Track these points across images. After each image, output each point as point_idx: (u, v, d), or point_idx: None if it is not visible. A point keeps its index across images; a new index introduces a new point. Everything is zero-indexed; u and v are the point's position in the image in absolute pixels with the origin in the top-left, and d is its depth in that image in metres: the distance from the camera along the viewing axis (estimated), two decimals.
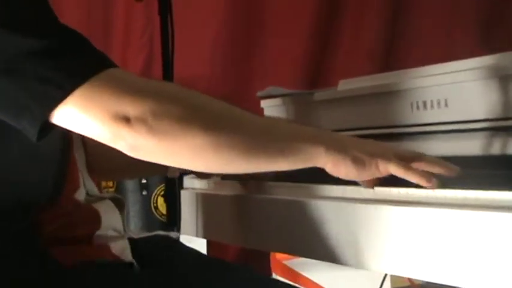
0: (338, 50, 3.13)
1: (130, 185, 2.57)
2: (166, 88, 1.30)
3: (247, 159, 1.27)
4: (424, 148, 1.61)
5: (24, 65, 1.21)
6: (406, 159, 1.27)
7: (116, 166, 1.69)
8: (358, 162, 1.27)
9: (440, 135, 1.63)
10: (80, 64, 1.23)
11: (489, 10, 3.14)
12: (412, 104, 1.69)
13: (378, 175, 1.28)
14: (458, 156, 1.54)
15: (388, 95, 1.76)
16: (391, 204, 1.26)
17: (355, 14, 3.13)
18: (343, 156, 1.27)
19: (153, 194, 2.58)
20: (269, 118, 1.29)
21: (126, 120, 1.20)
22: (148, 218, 2.56)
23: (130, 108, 1.20)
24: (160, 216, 2.56)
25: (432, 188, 1.21)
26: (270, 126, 1.32)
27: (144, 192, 2.62)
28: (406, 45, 3.07)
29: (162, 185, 2.49)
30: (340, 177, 1.30)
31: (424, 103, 1.66)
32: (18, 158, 1.35)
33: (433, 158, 1.29)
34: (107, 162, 1.60)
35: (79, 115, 1.21)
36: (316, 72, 3.12)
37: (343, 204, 1.38)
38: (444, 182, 1.22)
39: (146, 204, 2.63)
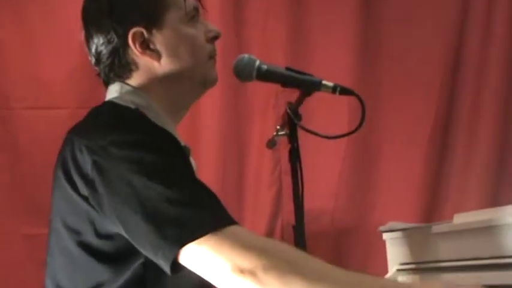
0: (449, 186, 3.17)
1: None
2: (273, 246, 1.41)
3: None
4: None
5: (164, 210, 1.37)
6: None
7: None
8: None
9: None
10: (210, 216, 1.39)
11: None
12: None
13: None
14: None
15: (501, 228, 1.80)
16: None
17: (464, 155, 3.18)
18: None
19: None
20: (356, 273, 1.38)
21: (241, 271, 1.33)
22: None
23: (245, 262, 1.34)
24: None
25: None
26: (353, 280, 1.38)
27: None
28: None
29: None
30: None
31: None
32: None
33: None
34: None
35: (202, 260, 1.36)
36: (430, 205, 3.15)
37: None
38: None
39: None
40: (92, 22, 1.66)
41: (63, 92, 2.91)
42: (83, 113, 1.61)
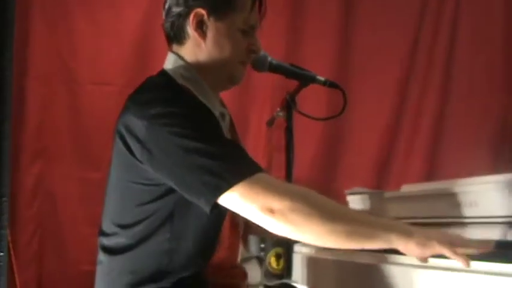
0: (395, 164, 3.23)
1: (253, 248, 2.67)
2: (297, 190, 1.39)
3: (347, 241, 1.36)
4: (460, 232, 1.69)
5: (203, 163, 1.35)
6: (454, 244, 1.34)
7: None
8: (420, 245, 1.34)
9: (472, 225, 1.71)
10: (241, 167, 1.37)
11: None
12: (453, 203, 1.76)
13: (435, 254, 1.35)
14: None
15: (436, 196, 1.84)
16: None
17: (407, 141, 3.24)
18: (409, 241, 1.34)
19: (268, 255, 2.62)
20: (358, 211, 1.36)
21: (272, 211, 1.33)
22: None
23: (275, 203, 1.33)
24: (272, 269, 2.57)
25: (468, 266, 1.33)
26: (362, 219, 1.39)
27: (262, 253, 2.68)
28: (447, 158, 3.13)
29: (274, 249, 2.53)
30: (408, 255, 1.37)
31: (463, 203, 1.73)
32: (195, 224, 1.48)
33: (472, 242, 1.38)
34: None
35: (239, 202, 1.35)
36: (382, 177, 3.21)
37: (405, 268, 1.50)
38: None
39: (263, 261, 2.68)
40: None
41: (116, 73, 2.95)
42: (128, 91, 1.54)
